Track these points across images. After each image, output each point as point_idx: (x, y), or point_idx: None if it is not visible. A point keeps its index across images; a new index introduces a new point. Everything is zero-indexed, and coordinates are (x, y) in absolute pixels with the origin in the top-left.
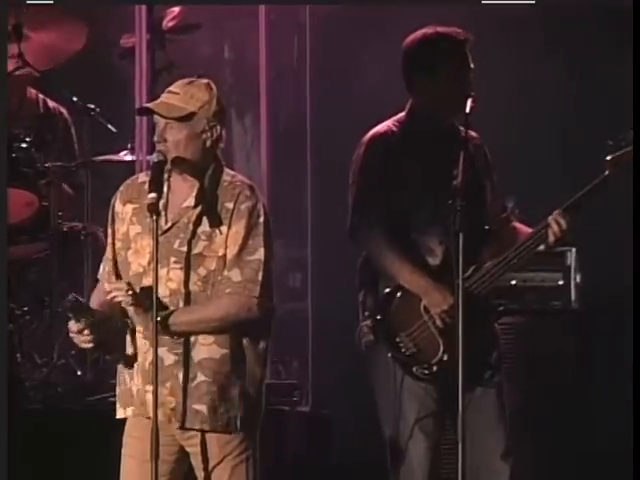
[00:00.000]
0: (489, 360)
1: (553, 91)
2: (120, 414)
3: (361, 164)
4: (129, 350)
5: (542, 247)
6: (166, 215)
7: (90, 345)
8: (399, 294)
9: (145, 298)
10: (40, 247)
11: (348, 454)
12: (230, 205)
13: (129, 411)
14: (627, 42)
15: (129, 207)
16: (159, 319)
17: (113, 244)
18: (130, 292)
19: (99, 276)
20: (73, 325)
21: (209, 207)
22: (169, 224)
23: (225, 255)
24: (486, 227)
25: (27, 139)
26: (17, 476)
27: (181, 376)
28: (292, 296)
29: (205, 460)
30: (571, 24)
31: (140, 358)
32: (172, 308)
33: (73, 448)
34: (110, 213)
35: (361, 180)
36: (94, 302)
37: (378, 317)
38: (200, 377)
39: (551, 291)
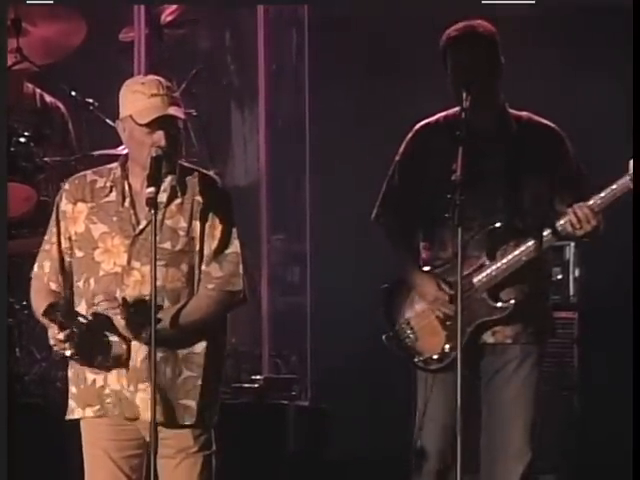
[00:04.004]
0: (522, 338)
1: (552, 91)
2: (78, 414)
3: (398, 155)
4: (117, 351)
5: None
6: (136, 214)
7: (71, 352)
8: (404, 285)
9: (136, 315)
10: (39, 241)
11: (347, 448)
12: (200, 199)
13: (89, 412)
14: (627, 42)
15: (82, 206)
16: (148, 335)
17: (59, 243)
18: (124, 315)
19: (33, 274)
20: (59, 333)
21: (180, 202)
22: (144, 222)
23: (202, 250)
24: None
25: (25, 133)
26: (17, 470)
27: (168, 372)
28: (291, 290)
29: (160, 454)
30: (571, 24)
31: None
32: (160, 317)
33: (72, 443)
34: (54, 212)
35: (392, 172)
36: (40, 304)
37: (383, 308)
38: (186, 372)
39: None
